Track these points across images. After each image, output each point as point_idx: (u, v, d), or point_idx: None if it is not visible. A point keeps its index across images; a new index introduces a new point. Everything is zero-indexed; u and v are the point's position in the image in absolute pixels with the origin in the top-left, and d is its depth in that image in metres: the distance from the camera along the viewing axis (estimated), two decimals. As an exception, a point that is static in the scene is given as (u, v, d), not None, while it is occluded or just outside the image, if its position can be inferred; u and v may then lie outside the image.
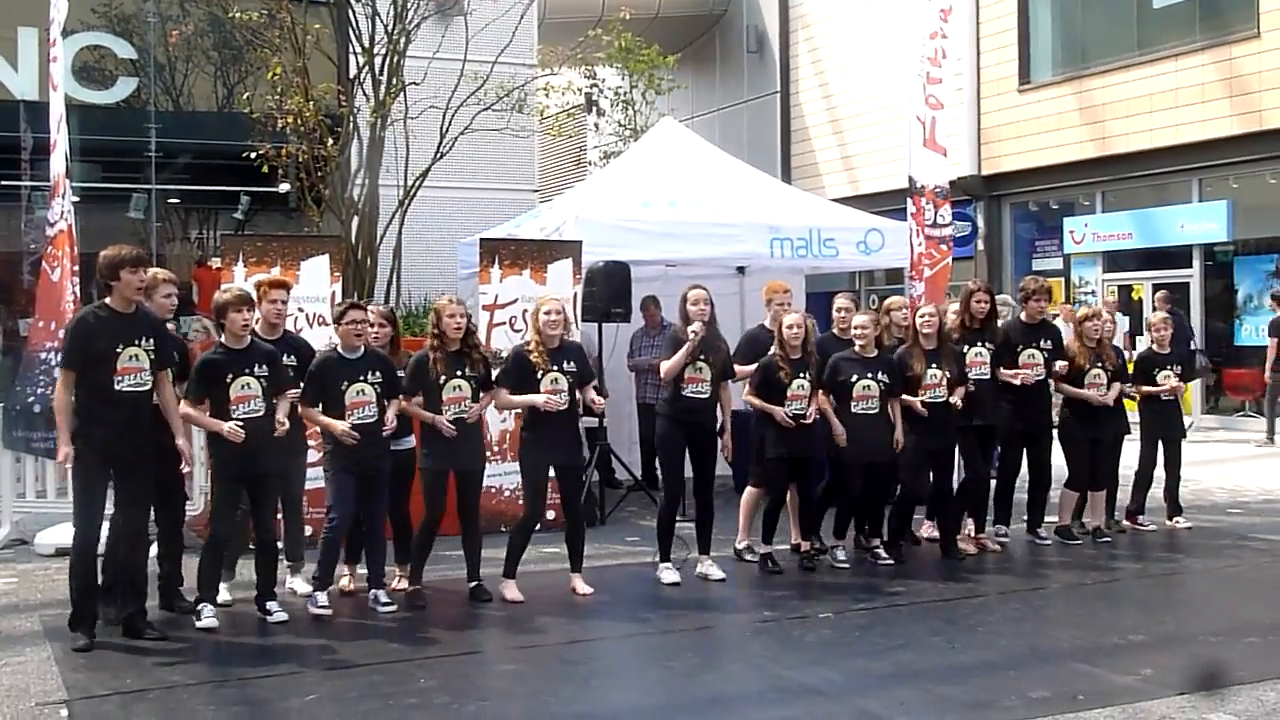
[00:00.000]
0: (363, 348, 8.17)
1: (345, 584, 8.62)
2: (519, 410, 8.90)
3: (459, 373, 8.33)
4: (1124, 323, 17.81)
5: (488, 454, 10.47)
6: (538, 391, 8.39)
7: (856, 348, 9.45)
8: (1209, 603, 8.82)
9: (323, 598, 8.00)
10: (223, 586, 8.10)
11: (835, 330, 10.02)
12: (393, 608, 8.11)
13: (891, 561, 9.55)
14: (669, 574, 8.95)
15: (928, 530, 10.33)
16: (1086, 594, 8.82)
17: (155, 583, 7.96)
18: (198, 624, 7.63)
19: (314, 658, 7.18)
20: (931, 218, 11.79)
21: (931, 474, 9.65)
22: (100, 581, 7.49)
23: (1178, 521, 10.98)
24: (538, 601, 8.38)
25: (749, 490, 9.70)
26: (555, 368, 8.45)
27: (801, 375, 9.10)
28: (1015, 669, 6.90)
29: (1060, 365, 10.08)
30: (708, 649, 7.51)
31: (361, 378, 8.06)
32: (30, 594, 8.73)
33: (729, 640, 7.75)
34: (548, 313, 8.50)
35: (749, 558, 9.61)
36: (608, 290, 11.20)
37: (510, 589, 8.46)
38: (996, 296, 10.47)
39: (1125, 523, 10.90)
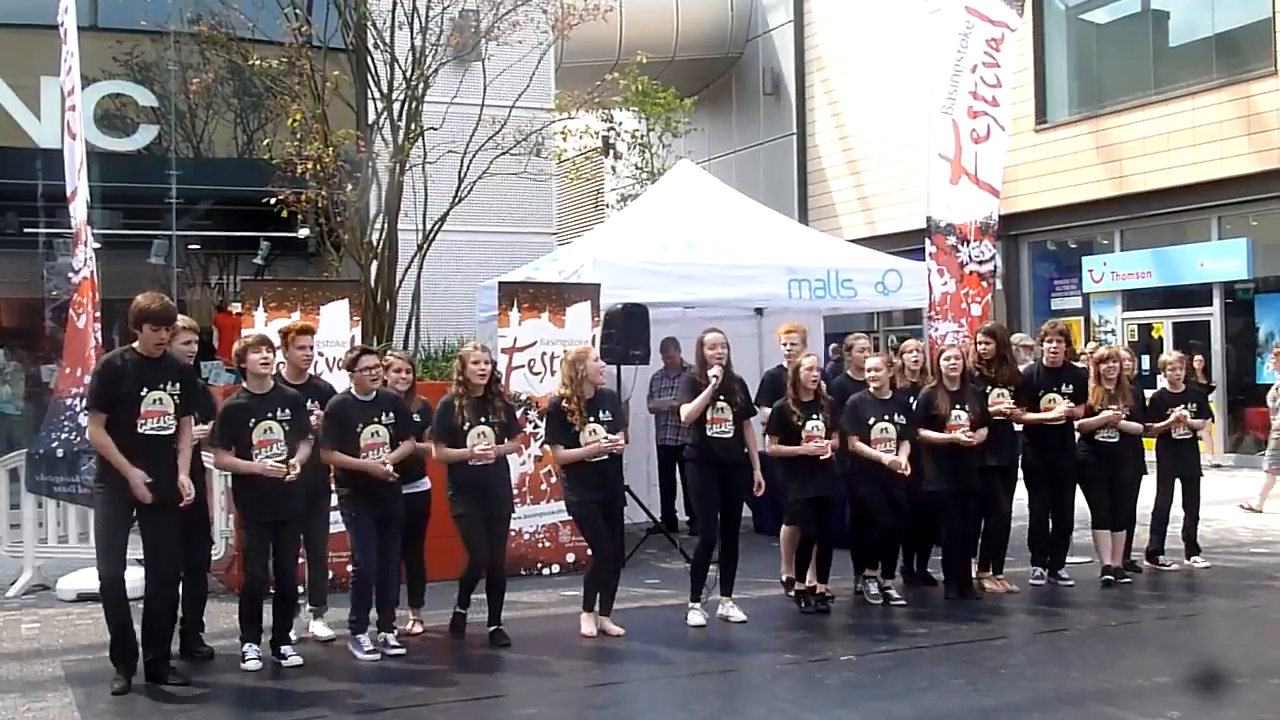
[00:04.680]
0: (375, 390, 8.21)
1: (410, 626, 8.66)
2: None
3: (482, 419, 8.35)
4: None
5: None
6: (577, 443, 8.46)
7: (871, 390, 9.46)
8: (1234, 644, 8.74)
9: (366, 641, 8.01)
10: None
11: (850, 371, 10.03)
12: (402, 651, 8.07)
13: (905, 602, 9.54)
14: (696, 616, 8.92)
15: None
16: (1110, 635, 8.75)
17: (177, 627, 7.97)
18: (243, 665, 7.66)
19: (336, 702, 7.16)
20: (978, 254, 11.81)
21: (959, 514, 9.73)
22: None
23: (1195, 561, 10.92)
24: (560, 644, 8.37)
25: (786, 528, 9.67)
26: (592, 418, 8.49)
27: (814, 417, 9.11)
28: (1039, 711, 6.86)
29: (1074, 409, 10.04)
30: (730, 692, 7.46)
31: (376, 419, 8.09)
32: (52, 639, 8.73)
33: (751, 683, 7.71)
34: (596, 359, 8.63)
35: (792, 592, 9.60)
36: (626, 333, 11.20)
37: (586, 623, 8.59)
38: (1014, 336, 10.44)
39: (1145, 563, 10.84)
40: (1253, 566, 11.13)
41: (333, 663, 7.95)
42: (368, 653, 7.96)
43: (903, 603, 9.49)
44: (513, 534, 10.46)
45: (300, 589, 8.26)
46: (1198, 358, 17.72)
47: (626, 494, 11.48)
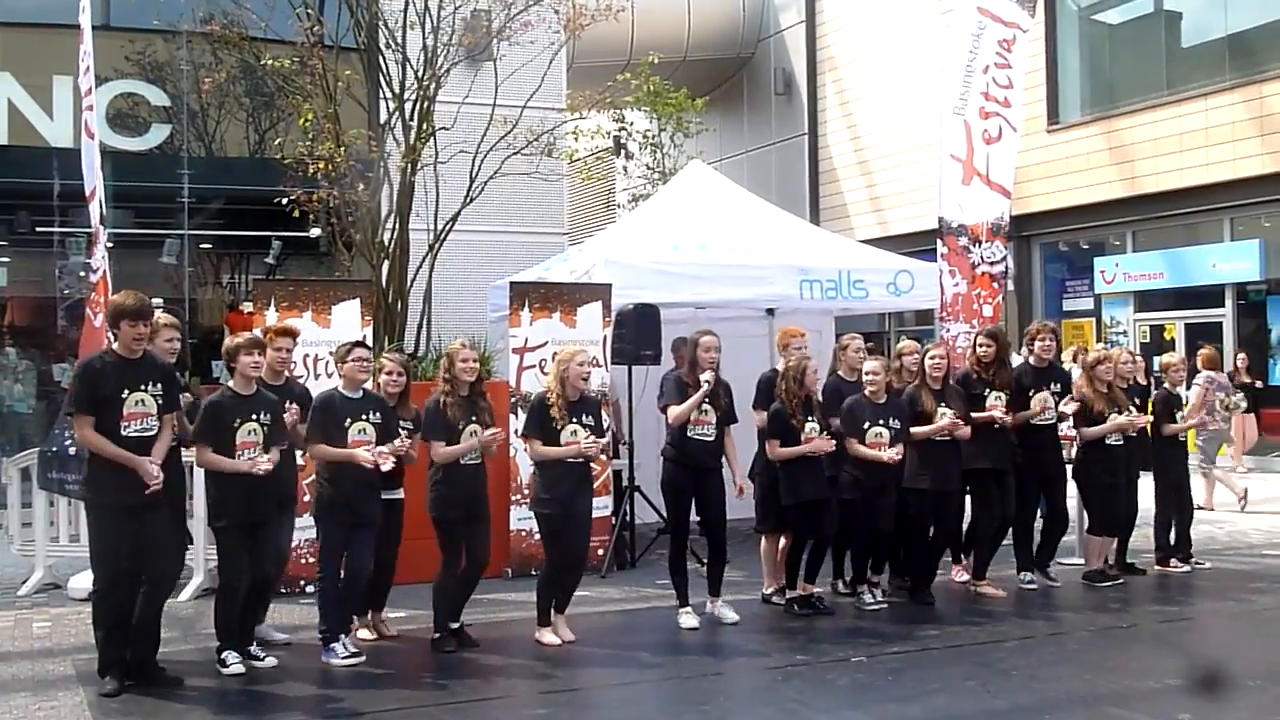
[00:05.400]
0: (362, 389, 8.19)
1: (365, 633, 8.61)
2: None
3: (473, 418, 8.31)
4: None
5: (518, 497, 10.50)
6: (556, 442, 8.37)
7: (867, 393, 9.43)
8: (1246, 646, 8.72)
9: (341, 648, 7.93)
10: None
11: (842, 372, 10.00)
12: (362, 658, 7.99)
13: (885, 604, 9.51)
14: (688, 619, 8.91)
15: (957, 573, 10.29)
16: (1121, 637, 8.74)
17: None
18: (224, 671, 7.60)
19: (344, 703, 7.16)
20: (990, 255, 11.81)
21: (941, 516, 9.72)
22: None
23: (1195, 563, 10.91)
24: (567, 646, 8.34)
25: (768, 539, 9.66)
26: (574, 420, 8.43)
27: (810, 418, 9.11)
28: (1051, 713, 6.85)
29: (1069, 405, 10.00)
30: (739, 693, 7.47)
31: (363, 416, 8.06)
32: (63, 638, 8.74)
33: (761, 684, 7.69)
34: (580, 364, 8.50)
35: (777, 601, 9.54)
36: (638, 333, 11.20)
37: (546, 635, 8.43)
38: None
39: (1155, 566, 10.80)
40: (1263, 569, 11.09)
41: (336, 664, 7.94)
42: (346, 658, 7.89)
43: (885, 604, 9.50)
44: (521, 534, 10.49)
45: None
46: (1241, 356, 17.70)
47: (638, 494, 11.52)
